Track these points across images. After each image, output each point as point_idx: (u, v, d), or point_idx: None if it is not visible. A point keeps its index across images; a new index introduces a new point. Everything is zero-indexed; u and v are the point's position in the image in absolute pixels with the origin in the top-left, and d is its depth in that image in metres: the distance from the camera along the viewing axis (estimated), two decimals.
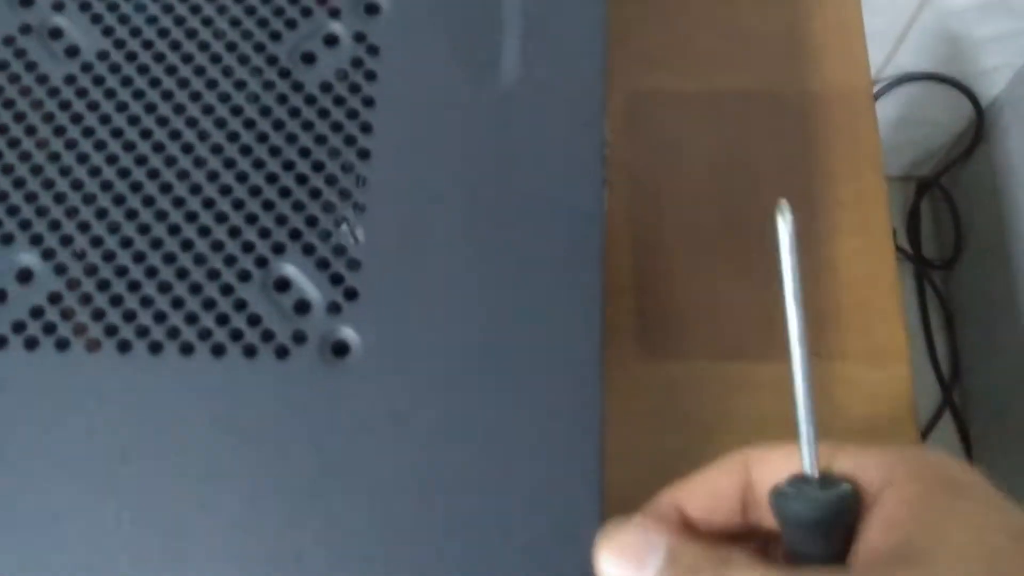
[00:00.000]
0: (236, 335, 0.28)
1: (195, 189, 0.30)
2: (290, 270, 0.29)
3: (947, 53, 0.96)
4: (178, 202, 0.30)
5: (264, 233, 0.29)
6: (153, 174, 0.30)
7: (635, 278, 0.45)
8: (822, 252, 0.46)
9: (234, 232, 0.29)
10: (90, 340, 0.28)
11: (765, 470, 0.25)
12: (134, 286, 0.29)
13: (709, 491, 0.25)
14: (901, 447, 0.24)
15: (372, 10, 0.33)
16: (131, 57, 0.32)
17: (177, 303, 0.29)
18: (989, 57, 0.95)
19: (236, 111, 0.31)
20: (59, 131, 0.31)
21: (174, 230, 0.29)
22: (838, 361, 0.44)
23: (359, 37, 0.32)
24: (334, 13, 0.32)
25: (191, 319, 0.28)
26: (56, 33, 0.32)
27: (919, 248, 1.09)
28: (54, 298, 0.29)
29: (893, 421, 0.44)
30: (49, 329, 0.28)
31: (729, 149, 0.48)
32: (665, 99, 0.48)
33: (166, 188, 0.30)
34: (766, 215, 0.46)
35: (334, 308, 0.29)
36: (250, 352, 0.28)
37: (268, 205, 0.30)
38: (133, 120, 0.31)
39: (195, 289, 0.29)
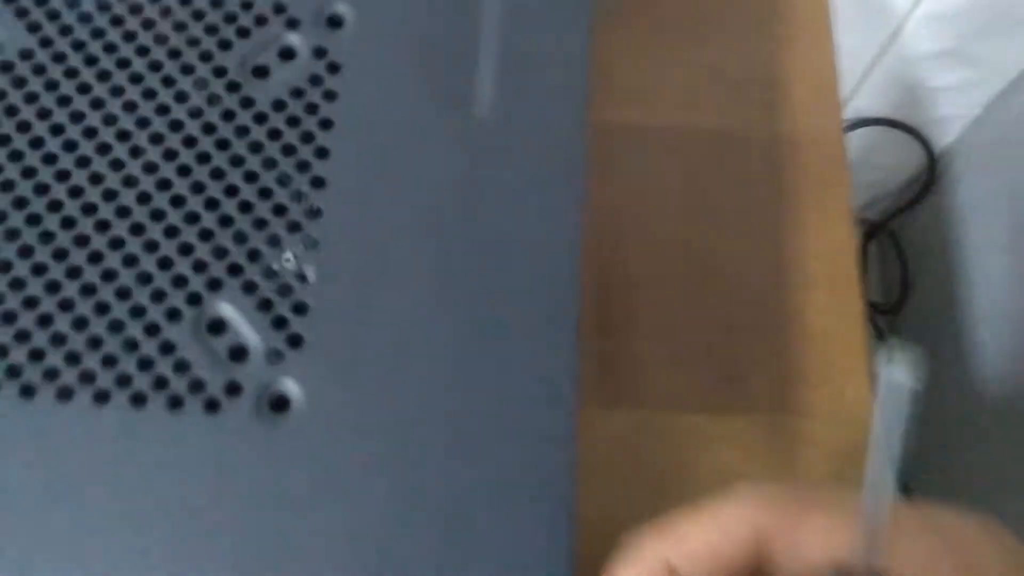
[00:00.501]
0: (160, 383, 0.25)
1: (122, 212, 0.26)
2: (226, 310, 0.26)
3: (903, 99, 0.97)
4: (102, 226, 0.26)
5: (199, 266, 0.26)
6: (75, 192, 0.27)
7: (595, 321, 0.43)
8: (788, 304, 0.45)
9: (164, 264, 0.26)
10: None
11: (791, 550, 0.21)
12: (44, 321, 0.25)
13: (710, 560, 0.22)
14: (942, 532, 0.21)
15: (335, 23, 0.29)
16: (59, 58, 0.28)
17: (93, 343, 0.25)
18: (945, 106, 0.95)
19: (175, 126, 0.28)
20: None
21: (95, 258, 0.26)
22: (802, 419, 0.43)
23: (319, 52, 0.29)
24: (292, 24, 0.29)
25: (108, 362, 0.25)
26: None
27: (865, 291, 1.09)
28: None
29: (858, 481, 0.42)
30: None
31: (697, 190, 0.46)
32: (633, 135, 0.46)
33: (89, 209, 0.26)
34: (733, 261, 0.45)
35: (275, 356, 0.25)
36: (175, 403, 0.25)
37: (205, 235, 0.26)
38: (56, 130, 0.27)
39: (115, 327, 0.25)
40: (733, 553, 0.22)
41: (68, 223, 0.26)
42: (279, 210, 0.27)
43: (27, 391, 0.24)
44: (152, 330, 0.25)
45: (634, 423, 0.41)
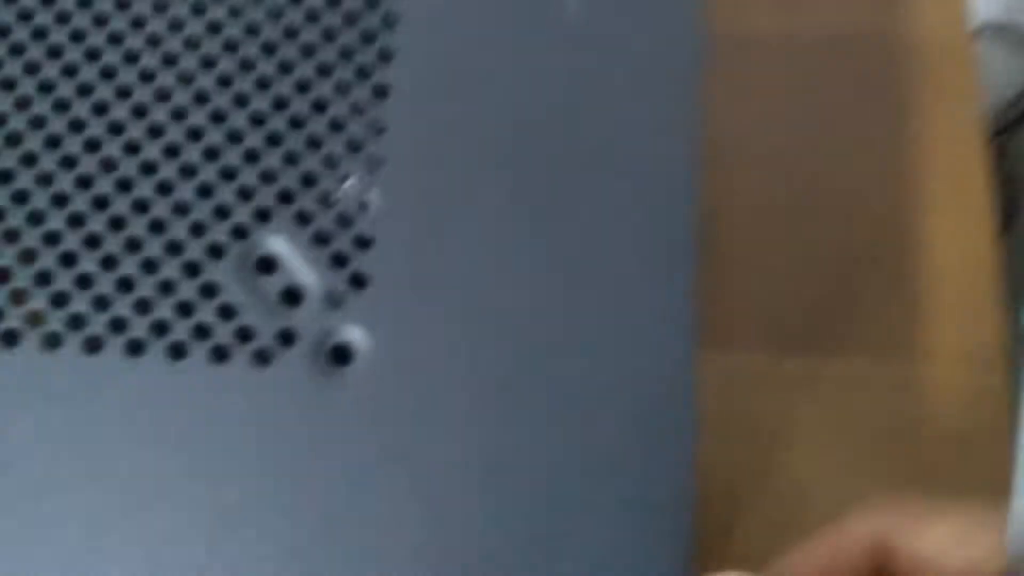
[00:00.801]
0: (201, 332, 0.21)
1: (154, 132, 0.23)
2: (277, 245, 0.22)
3: (1014, 1, 0.89)
4: (131, 149, 0.23)
5: (244, 194, 0.22)
6: (99, 109, 0.23)
7: None
8: (910, 231, 0.40)
9: (204, 191, 0.22)
10: (6, 332, 0.21)
11: (913, 561, 0.20)
12: (67, 260, 0.22)
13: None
14: None
15: None
16: None
17: (124, 285, 0.21)
18: None
19: (213, 28, 0.24)
20: None
21: (123, 186, 0.22)
22: (927, 361, 0.38)
23: None
24: None
25: (142, 308, 0.21)
26: None
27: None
28: None
29: (988, 433, 0.38)
30: None
31: (804, 102, 0.41)
32: (730, 42, 0.41)
33: (115, 129, 0.23)
34: (846, 183, 0.40)
35: (335, 300, 0.22)
36: (219, 355, 0.21)
37: (251, 156, 0.23)
38: (76, 36, 0.23)
39: (149, 268, 0.22)
40: (850, 564, 0.21)
41: (92, 146, 0.23)
42: (336, 125, 0.23)
43: (50, 341, 0.21)
44: (191, 270, 0.22)
45: (730, 368, 0.37)
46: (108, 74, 0.23)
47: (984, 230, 0.41)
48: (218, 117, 0.23)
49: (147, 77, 0.23)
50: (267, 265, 0.22)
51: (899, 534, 0.20)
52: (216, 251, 0.22)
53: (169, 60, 0.23)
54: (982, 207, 0.41)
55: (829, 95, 0.41)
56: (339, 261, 0.22)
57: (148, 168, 0.22)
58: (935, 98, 0.42)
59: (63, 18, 0.24)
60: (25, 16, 0.24)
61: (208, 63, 0.23)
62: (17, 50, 0.23)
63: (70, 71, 0.23)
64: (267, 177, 0.22)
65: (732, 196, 0.39)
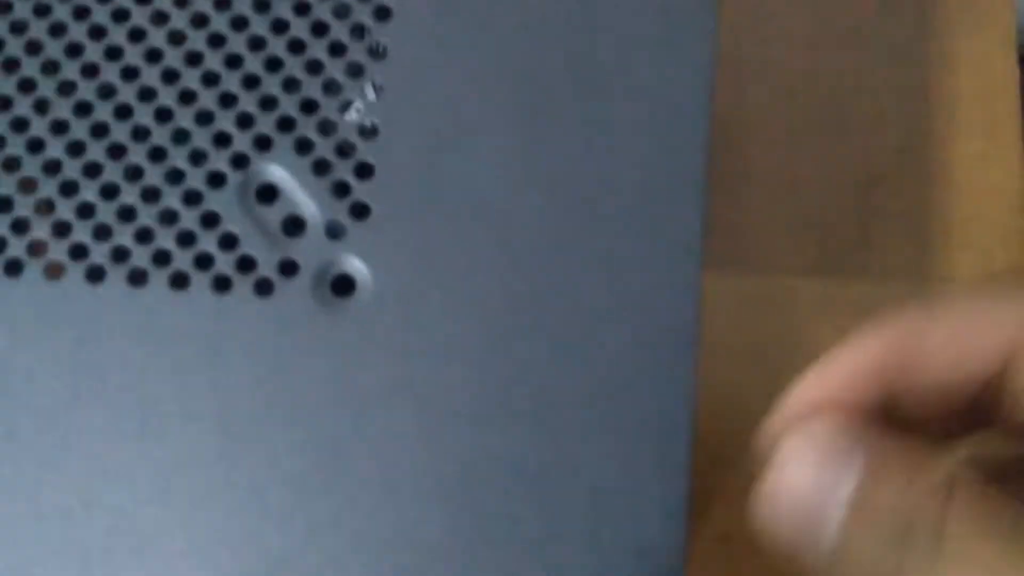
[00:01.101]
0: (202, 262, 0.21)
1: (152, 56, 0.22)
2: (278, 174, 0.22)
3: None
4: (128, 73, 0.22)
5: (244, 121, 0.22)
6: (96, 33, 0.22)
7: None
8: (935, 155, 0.39)
9: (203, 119, 0.22)
10: (9, 262, 0.21)
11: (915, 374, 0.16)
12: (68, 189, 0.21)
13: (840, 388, 0.17)
14: None
15: None
16: None
17: (125, 215, 0.21)
18: None
19: None
20: None
21: (122, 113, 0.22)
22: (945, 285, 0.38)
23: None
24: None
25: (143, 237, 0.21)
26: None
27: None
28: None
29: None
30: None
31: (827, 15, 0.40)
32: None
33: (113, 54, 0.22)
34: (870, 102, 0.39)
35: (336, 229, 0.21)
36: (221, 285, 0.21)
37: (251, 82, 0.22)
38: None
39: (149, 197, 0.21)
40: (862, 384, 0.16)
41: (89, 71, 0.22)
42: (337, 49, 0.22)
43: (52, 272, 0.21)
44: (192, 199, 0.21)
45: (745, 290, 0.37)
46: None
47: (1011, 154, 0.40)
48: (216, 40, 0.22)
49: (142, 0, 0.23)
50: (268, 194, 0.22)
51: (902, 341, 0.16)
52: (217, 180, 0.22)
53: None
54: (1010, 130, 0.40)
55: (851, 6, 0.39)
56: (340, 190, 0.22)
57: (146, 94, 0.22)
58: (964, 11, 0.40)
59: None
60: None
61: None
62: None
63: None
64: (266, 103, 0.22)
65: (750, 116, 0.38)
